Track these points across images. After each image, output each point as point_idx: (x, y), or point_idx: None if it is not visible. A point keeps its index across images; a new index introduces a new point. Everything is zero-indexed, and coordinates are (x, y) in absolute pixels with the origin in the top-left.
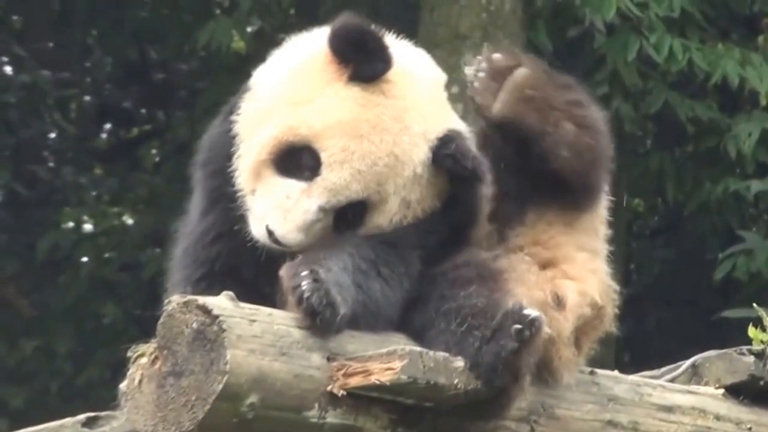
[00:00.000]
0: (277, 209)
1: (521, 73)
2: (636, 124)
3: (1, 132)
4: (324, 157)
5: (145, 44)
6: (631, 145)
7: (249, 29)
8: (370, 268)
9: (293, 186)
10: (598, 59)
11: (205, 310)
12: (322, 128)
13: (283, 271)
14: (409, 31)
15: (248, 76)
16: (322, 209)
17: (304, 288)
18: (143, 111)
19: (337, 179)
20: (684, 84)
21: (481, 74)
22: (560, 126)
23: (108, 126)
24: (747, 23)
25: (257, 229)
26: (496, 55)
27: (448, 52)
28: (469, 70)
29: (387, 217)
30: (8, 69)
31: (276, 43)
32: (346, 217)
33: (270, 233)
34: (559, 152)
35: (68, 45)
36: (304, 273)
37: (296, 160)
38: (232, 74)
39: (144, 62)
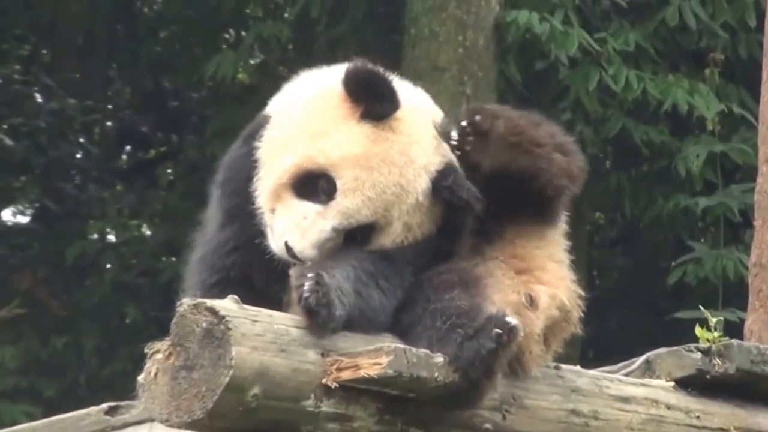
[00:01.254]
0: (295, 228)
1: (499, 124)
2: (596, 146)
3: (33, 153)
4: (339, 184)
5: (159, 75)
6: (593, 165)
7: (252, 62)
8: (370, 279)
9: (310, 208)
10: (562, 89)
11: (213, 312)
12: (338, 159)
13: (292, 272)
14: (394, 64)
15: (251, 103)
16: (335, 230)
17: (305, 288)
18: (159, 134)
19: (350, 204)
20: (639, 111)
21: (470, 138)
22: (553, 159)
23: (127, 148)
24: (694, 57)
25: (276, 244)
26: (478, 117)
27: (428, 83)
28: (454, 134)
29: (391, 238)
30: (39, 97)
31: (276, 74)
32: (354, 237)
33: (288, 248)
34: (558, 182)
35: (92, 76)
36: (309, 275)
37: (313, 185)
38: (237, 102)
39: (159, 91)
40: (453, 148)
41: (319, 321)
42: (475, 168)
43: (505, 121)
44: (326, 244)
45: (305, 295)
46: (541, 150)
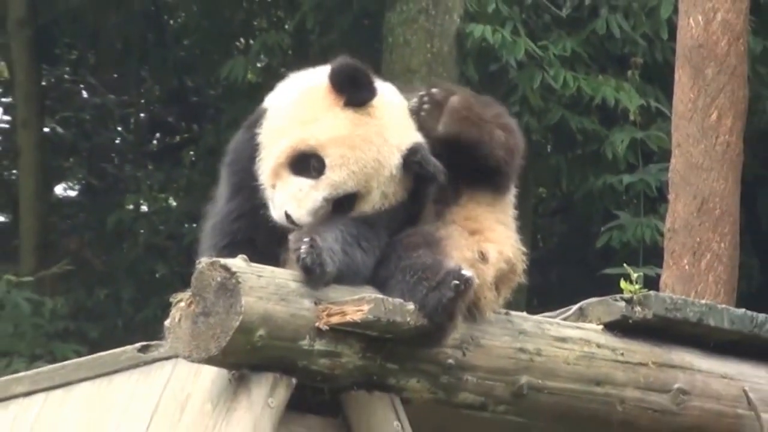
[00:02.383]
0: (292, 199)
1: (455, 99)
2: (539, 133)
3: (80, 139)
4: (327, 161)
5: (183, 75)
6: (536, 149)
7: (258, 65)
8: (354, 241)
9: (304, 182)
10: (511, 87)
11: (226, 269)
12: (326, 140)
13: (291, 236)
14: (374, 67)
15: (258, 99)
16: (326, 199)
17: (302, 250)
18: (182, 124)
19: (337, 178)
20: (574, 104)
21: (426, 105)
22: (494, 133)
23: (157, 135)
24: (619, 61)
25: (277, 214)
26: (435, 90)
27: (402, 83)
28: (413, 103)
29: (371, 205)
30: (84, 94)
31: (278, 75)
32: (341, 205)
33: (287, 216)
34: (497, 153)
35: (127, 76)
36: (305, 239)
37: (306, 163)
38: (246, 98)
39: (182, 88)
40: (411, 112)
41: (314, 277)
42: (428, 133)
43: (459, 97)
44: (319, 212)
45: (302, 255)
46: (486, 125)
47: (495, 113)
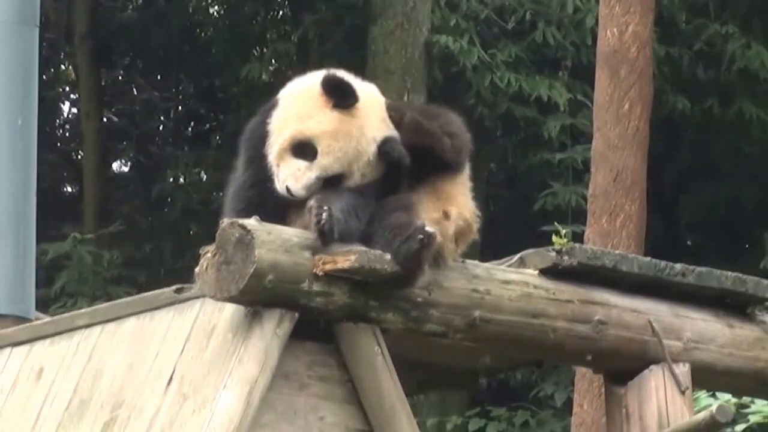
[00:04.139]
0: (291, 177)
1: (407, 118)
2: (491, 121)
3: (131, 127)
4: (319, 149)
5: (212, 77)
6: (488, 132)
7: (270, 68)
8: (353, 211)
9: (301, 164)
10: (468, 85)
11: (243, 227)
12: (318, 133)
13: (312, 203)
14: (361, 70)
15: (270, 95)
16: (318, 178)
17: (323, 217)
18: (211, 115)
19: (326, 162)
20: (517, 98)
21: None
22: (442, 141)
23: (191, 123)
24: (553, 63)
25: (280, 187)
26: (391, 113)
27: (383, 82)
28: None
29: (353, 182)
30: (135, 91)
31: (285, 77)
32: (330, 182)
33: (287, 189)
34: (447, 155)
35: (168, 77)
36: (324, 208)
37: (303, 149)
38: (261, 94)
39: (211, 87)
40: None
41: (327, 238)
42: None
43: (409, 115)
44: (311, 188)
45: (322, 222)
46: (434, 135)
47: (440, 123)
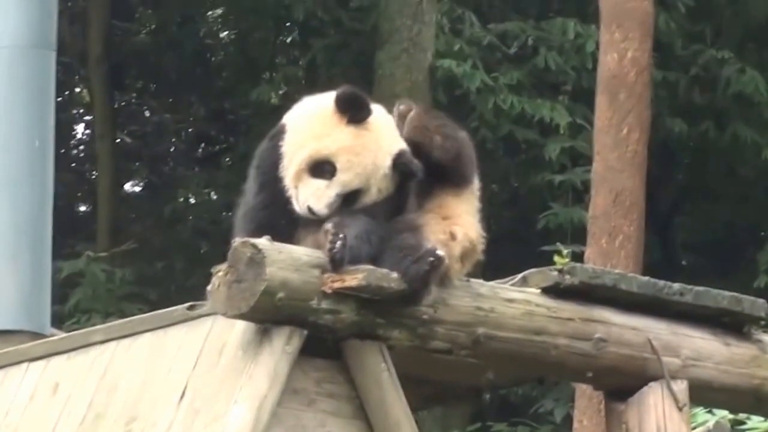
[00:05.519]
0: (312, 196)
1: (412, 113)
2: (493, 143)
3: (143, 148)
4: (338, 166)
5: (222, 99)
6: (490, 154)
7: (280, 91)
8: (365, 236)
9: (321, 183)
10: (471, 108)
11: (254, 246)
12: (336, 150)
13: (329, 227)
14: (368, 93)
15: (279, 117)
16: (338, 195)
17: (337, 246)
18: (222, 137)
19: (345, 178)
20: (519, 120)
21: (395, 119)
22: (433, 138)
23: (202, 145)
24: (552, 87)
25: (301, 208)
26: (402, 106)
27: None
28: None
29: (370, 198)
30: (147, 113)
31: (294, 99)
32: (348, 199)
33: (310, 209)
34: (435, 153)
35: (180, 100)
36: (340, 236)
37: (321, 168)
38: (271, 116)
39: (222, 109)
40: None
41: (338, 265)
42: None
43: (415, 111)
44: (333, 205)
45: (335, 249)
46: (428, 132)
47: (439, 124)
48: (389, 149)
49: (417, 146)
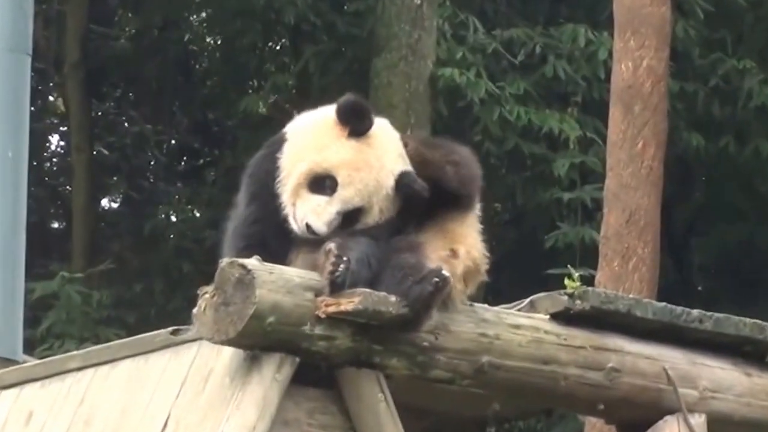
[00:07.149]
0: (312, 213)
1: (409, 150)
2: (497, 157)
3: (122, 161)
4: (339, 180)
5: (206, 109)
6: (494, 170)
7: (269, 101)
8: (366, 260)
9: (321, 199)
10: (475, 119)
11: (243, 267)
12: (337, 163)
13: (332, 248)
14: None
15: (268, 128)
16: (339, 212)
17: (339, 270)
18: (206, 149)
19: (347, 194)
20: (526, 133)
21: None
22: (445, 170)
23: (185, 158)
24: (563, 98)
25: (298, 226)
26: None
27: (386, 116)
28: None
29: (372, 218)
30: (126, 124)
31: (284, 110)
32: (349, 218)
33: (308, 227)
34: (452, 185)
35: (161, 109)
36: (344, 259)
37: (320, 183)
38: (259, 128)
39: (206, 120)
40: None
41: (337, 290)
42: None
43: (411, 147)
44: (333, 223)
45: (337, 274)
46: (435, 165)
47: (442, 153)
48: (392, 168)
49: (433, 182)
